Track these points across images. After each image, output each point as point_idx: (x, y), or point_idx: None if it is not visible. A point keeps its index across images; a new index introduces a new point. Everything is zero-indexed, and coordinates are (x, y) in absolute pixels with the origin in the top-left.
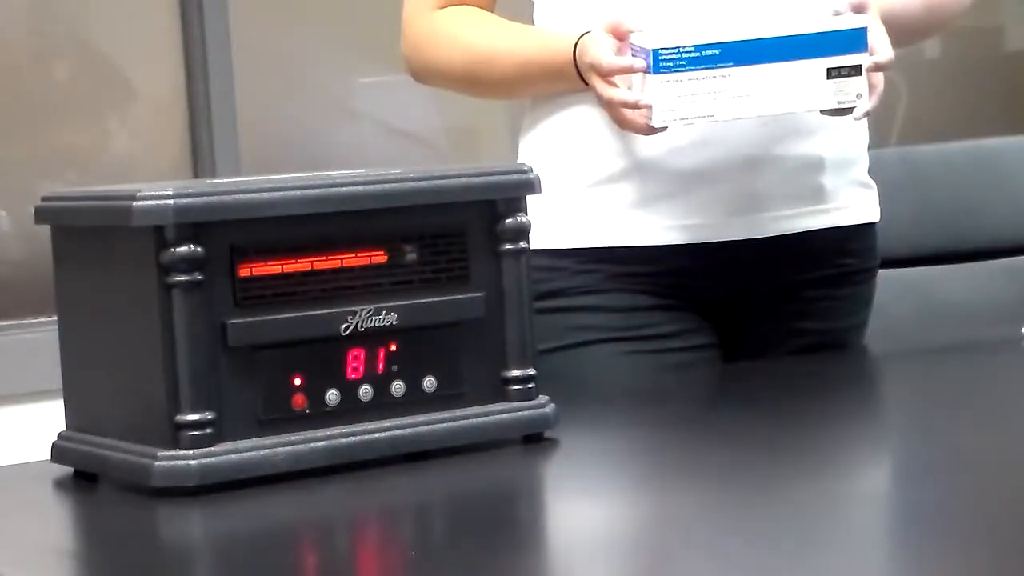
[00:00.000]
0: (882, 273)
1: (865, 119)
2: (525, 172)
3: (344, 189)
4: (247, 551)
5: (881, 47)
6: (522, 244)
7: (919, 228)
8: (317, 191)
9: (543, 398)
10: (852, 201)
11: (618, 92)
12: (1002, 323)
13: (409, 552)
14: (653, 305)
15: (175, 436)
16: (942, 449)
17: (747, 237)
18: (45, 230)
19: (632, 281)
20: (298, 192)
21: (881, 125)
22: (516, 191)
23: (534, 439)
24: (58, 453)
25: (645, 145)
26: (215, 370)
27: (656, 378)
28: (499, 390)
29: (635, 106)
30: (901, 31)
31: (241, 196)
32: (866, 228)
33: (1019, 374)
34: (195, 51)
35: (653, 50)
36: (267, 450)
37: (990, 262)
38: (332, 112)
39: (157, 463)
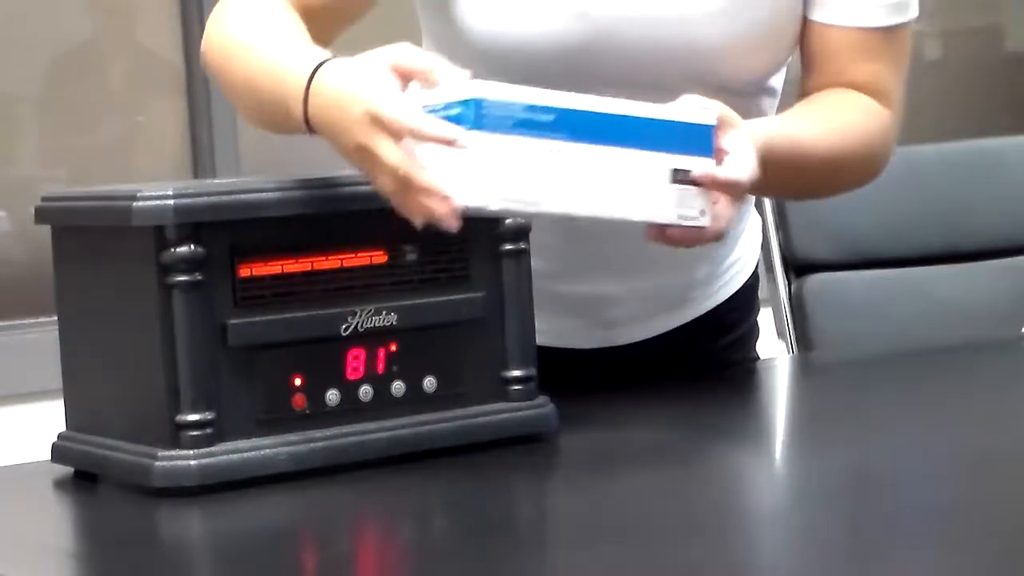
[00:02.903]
0: (882, 273)
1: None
2: None
3: (344, 189)
4: (247, 551)
5: (736, 162)
6: (522, 244)
7: (919, 228)
8: (317, 191)
9: (543, 398)
10: (717, 290)
11: (415, 167)
12: (1002, 323)
13: (409, 552)
14: None
15: (175, 436)
16: (942, 449)
17: (596, 347)
18: (45, 230)
19: None
20: (298, 192)
21: None
22: None
23: (534, 439)
24: (58, 453)
25: None
26: (215, 370)
27: None
28: (499, 390)
29: (437, 193)
30: (786, 171)
31: (241, 196)
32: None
33: (1019, 374)
34: (195, 50)
35: (475, 100)
36: (267, 450)
37: (990, 262)
38: None
39: (157, 463)
